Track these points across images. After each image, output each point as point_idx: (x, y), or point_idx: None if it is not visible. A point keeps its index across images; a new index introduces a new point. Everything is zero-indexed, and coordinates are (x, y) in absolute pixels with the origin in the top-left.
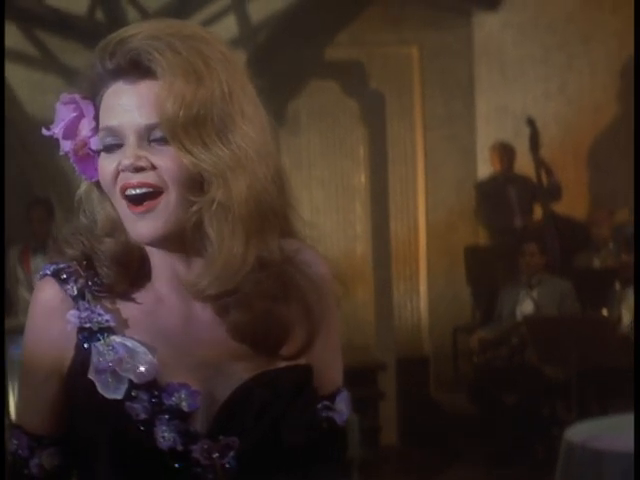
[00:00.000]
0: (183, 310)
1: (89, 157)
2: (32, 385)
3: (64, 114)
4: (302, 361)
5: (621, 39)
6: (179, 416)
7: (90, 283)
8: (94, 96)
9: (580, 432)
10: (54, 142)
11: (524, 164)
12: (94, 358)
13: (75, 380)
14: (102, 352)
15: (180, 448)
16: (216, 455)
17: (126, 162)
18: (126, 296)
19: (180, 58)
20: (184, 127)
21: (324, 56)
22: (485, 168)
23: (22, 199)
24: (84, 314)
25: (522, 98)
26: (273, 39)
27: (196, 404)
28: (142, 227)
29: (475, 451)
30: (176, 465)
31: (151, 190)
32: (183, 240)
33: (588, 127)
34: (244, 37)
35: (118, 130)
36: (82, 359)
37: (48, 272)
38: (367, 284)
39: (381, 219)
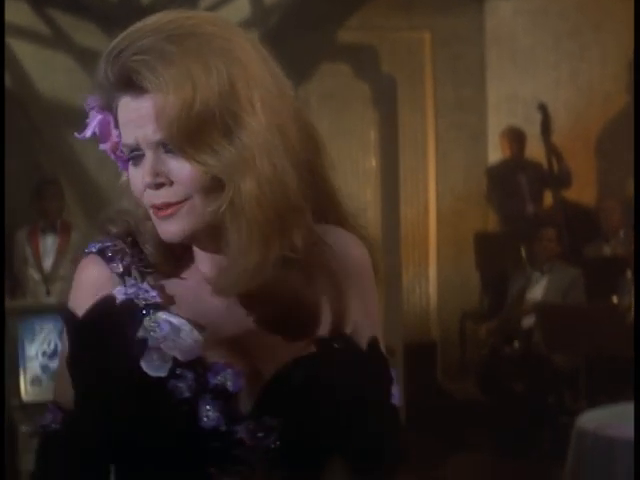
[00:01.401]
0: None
1: (123, 156)
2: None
3: (94, 117)
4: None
5: (632, 27)
6: (223, 396)
7: (136, 260)
8: (110, 106)
9: (592, 419)
10: (64, 122)
11: (534, 150)
12: (139, 335)
13: (120, 357)
14: (147, 329)
15: (223, 428)
16: (260, 435)
17: (147, 180)
18: (172, 274)
19: (172, 69)
20: (186, 136)
21: (336, 39)
22: (495, 154)
23: (31, 179)
24: (130, 290)
25: (533, 85)
26: (285, 22)
27: (241, 384)
28: (167, 228)
29: (482, 438)
30: (218, 444)
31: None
32: (212, 237)
33: (598, 115)
34: (256, 19)
35: (136, 146)
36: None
37: (93, 250)
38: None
39: (391, 204)
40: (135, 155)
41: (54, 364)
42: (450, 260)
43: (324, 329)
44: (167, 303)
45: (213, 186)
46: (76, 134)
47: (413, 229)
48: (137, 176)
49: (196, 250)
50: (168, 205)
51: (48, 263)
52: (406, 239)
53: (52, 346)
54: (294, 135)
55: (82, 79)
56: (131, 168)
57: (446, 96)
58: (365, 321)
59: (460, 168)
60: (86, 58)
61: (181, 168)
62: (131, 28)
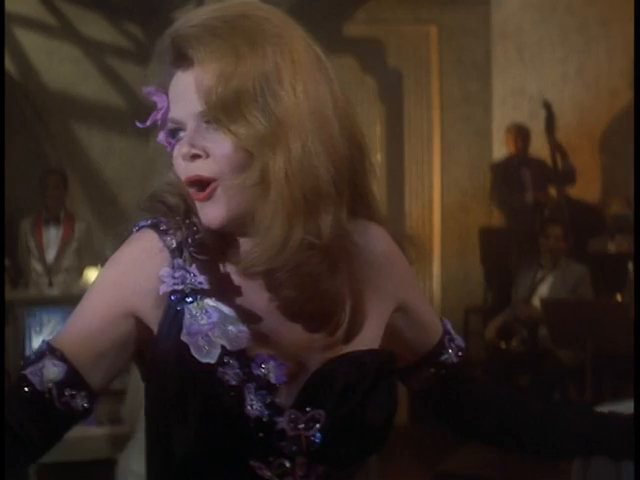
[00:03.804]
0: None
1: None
2: (93, 322)
3: (160, 105)
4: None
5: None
6: (267, 387)
7: (189, 240)
8: (166, 88)
9: None
10: (70, 113)
11: (539, 146)
12: (186, 320)
13: (165, 341)
14: (195, 315)
15: (266, 419)
16: (302, 426)
17: (183, 150)
18: (220, 261)
19: (219, 41)
20: (223, 106)
21: (342, 33)
22: (500, 149)
23: (35, 169)
24: (177, 273)
25: (539, 80)
26: (291, 15)
27: (283, 377)
28: (208, 214)
29: None
30: (260, 435)
31: (205, 183)
32: (249, 223)
33: (604, 111)
34: None
35: (179, 120)
36: (172, 320)
37: (145, 224)
38: None
39: (397, 198)
40: (177, 128)
41: None
42: (454, 255)
43: (342, 321)
44: (215, 291)
45: (245, 166)
46: (138, 123)
47: (417, 224)
48: (178, 153)
49: (240, 240)
50: (200, 180)
51: (51, 254)
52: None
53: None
54: (336, 131)
55: (88, 69)
56: (175, 147)
57: (452, 90)
58: (420, 307)
59: (465, 163)
60: (92, 49)
61: (218, 142)
62: (186, 15)
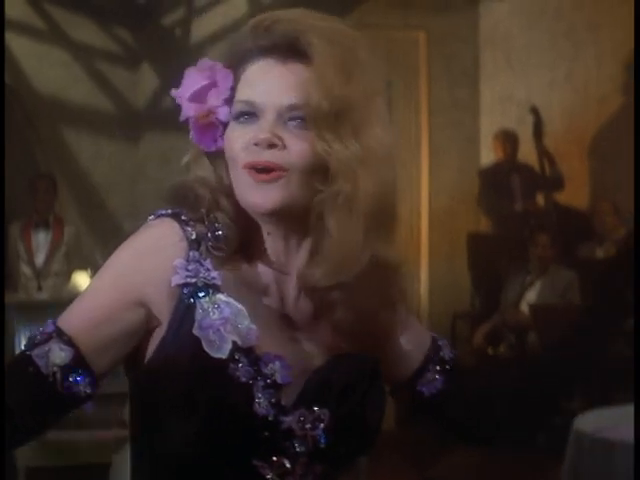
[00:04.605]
0: (280, 286)
1: (210, 127)
2: (103, 308)
3: (195, 80)
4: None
5: (629, 29)
6: (273, 386)
7: (209, 234)
8: (236, 68)
9: (589, 421)
10: (59, 117)
11: (527, 152)
12: (198, 315)
13: (176, 334)
14: (207, 309)
15: (271, 418)
16: (309, 426)
17: (262, 136)
18: (235, 259)
19: (336, 49)
20: (326, 116)
21: None
22: (488, 155)
23: (25, 174)
24: (191, 266)
25: (527, 86)
26: None
27: (289, 377)
28: (260, 196)
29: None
30: (266, 434)
31: (271, 170)
32: (300, 223)
33: (593, 117)
34: (253, 16)
35: (258, 105)
36: (183, 314)
37: (166, 212)
38: None
39: None
40: (249, 112)
41: None
42: (442, 260)
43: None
44: (226, 287)
45: (317, 170)
46: (172, 91)
47: (405, 228)
48: (242, 135)
49: (265, 238)
50: (270, 167)
51: (40, 258)
52: (398, 238)
53: None
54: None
55: (77, 74)
56: (233, 128)
57: (440, 96)
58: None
59: (453, 168)
60: (81, 53)
61: (299, 138)
62: (284, 10)
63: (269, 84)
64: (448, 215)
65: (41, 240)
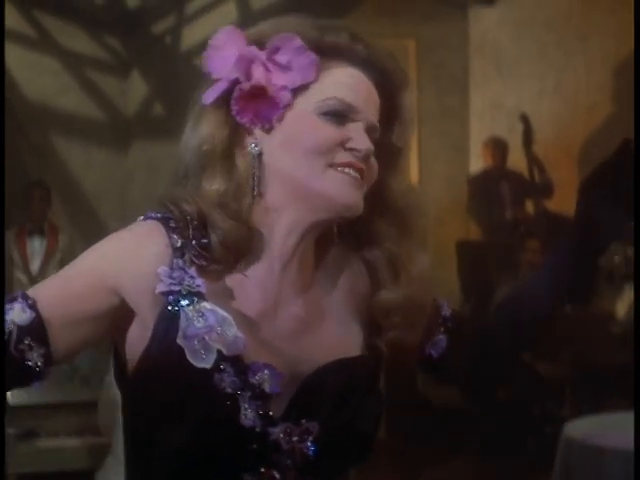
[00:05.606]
0: (271, 295)
1: (255, 101)
2: (75, 285)
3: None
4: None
5: (618, 38)
6: (261, 396)
7: (194, 243)
8: (321, 59)
9: (579, 428)
10: (50, 125)
11: (517, 160)
12: (182, 323)
13: (161, 343)
14: (191, 318)
15: (258, 429)
16: (296, 439)
17: (363, 147)
18: (225, 270)
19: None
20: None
21: None
22: (478, 163)
23: (18, 182)
24: (175, 274)
25: (517, 94)
26: None
27: (278, 387)
28: (347, 192)
29: (465, 446)
30: (254, 446)
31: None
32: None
33: (582, 125)
34: (243, 25)
35: (356, 109)
36: (167, 323)
37: (155, 216)
38: None
39: None
40: (342, 113)
41: None
42: (431, 268)
43: None
44: (211, 295)
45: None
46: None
47: None
48: (333, 132)
49: (268, 246)
50: (362, 173)
51: (35, 265)
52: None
53: None
54: None
55: (68, 82)
56: (326, 123)
57: (429, 104)
58: None
59: (443, 176)
60: (72, 61)
61: (374, 162)
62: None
63: (364, 96)
64: (437, 223)
65: (36, 247)
